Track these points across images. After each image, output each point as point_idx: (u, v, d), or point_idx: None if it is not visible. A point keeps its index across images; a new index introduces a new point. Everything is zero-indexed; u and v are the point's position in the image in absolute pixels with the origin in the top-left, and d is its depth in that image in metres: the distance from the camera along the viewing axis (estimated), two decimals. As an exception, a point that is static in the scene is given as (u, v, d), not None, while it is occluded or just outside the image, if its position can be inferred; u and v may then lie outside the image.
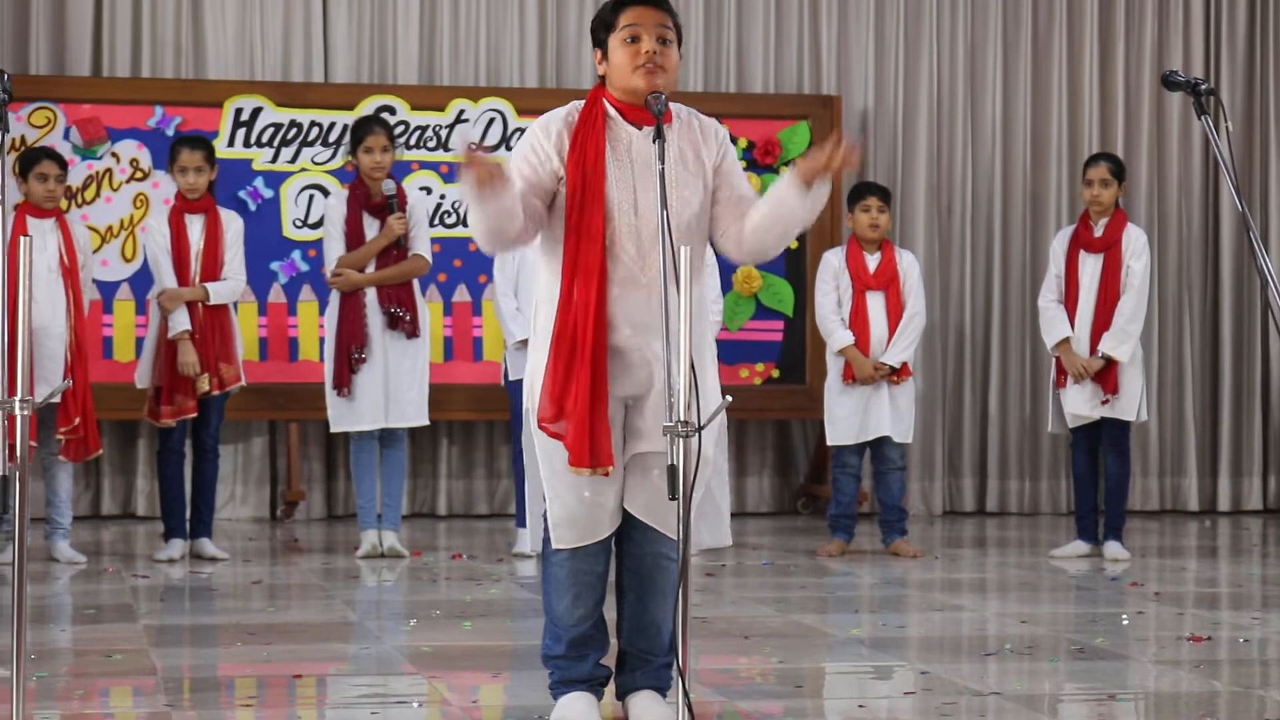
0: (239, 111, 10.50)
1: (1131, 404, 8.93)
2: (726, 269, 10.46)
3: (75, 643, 6.32)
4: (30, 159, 8.58)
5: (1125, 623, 6.82)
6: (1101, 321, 8.90)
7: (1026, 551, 9.58)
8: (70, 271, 8.48)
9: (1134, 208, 11.45)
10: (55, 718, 4.94)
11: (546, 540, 4.78)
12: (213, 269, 8.68)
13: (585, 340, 4.57)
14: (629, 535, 4.76)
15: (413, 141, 10.60)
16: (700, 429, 4.25)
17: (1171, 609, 7.27)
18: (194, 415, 8.66)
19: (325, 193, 10.39)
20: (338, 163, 10.48)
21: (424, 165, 10.65)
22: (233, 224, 8.81)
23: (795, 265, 10.97)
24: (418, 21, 11.09)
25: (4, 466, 4.22)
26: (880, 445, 9.09)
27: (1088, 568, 8.70)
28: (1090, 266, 8.97)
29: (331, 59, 11.02)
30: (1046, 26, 11.73)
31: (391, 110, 10.54)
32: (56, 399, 8.34)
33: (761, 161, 10.97)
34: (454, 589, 7.78)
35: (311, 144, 10.56)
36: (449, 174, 10.69)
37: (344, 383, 8.71)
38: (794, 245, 10.91)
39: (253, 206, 10.43)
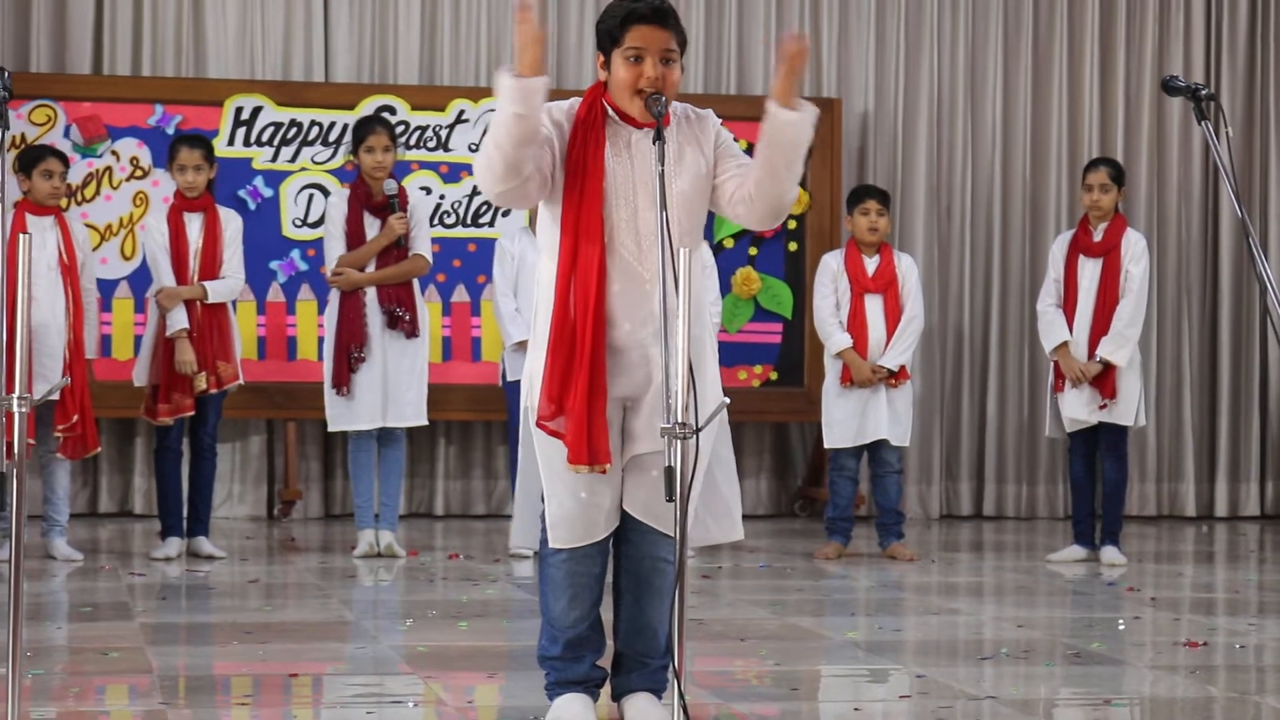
0: (239, 110, 10.50)
1: (1129, 409, 8.93)
2: (725, 271, 10.47)
3: (71, 640, 6.31)
4: (35, 156, 8.58)
5: (1121, 628, 6.82)
6: (1100, 326, 8.90)
7: (1023, 556, 9.59)
8: (69, 269, 8.48)
9: (1133, 213, 11.45)
10: (51, 715, 4.94)
11: (544, 541, 4.78)
12: (211, 267, 8.68)
13: (584, 338, 4.57)
14: (627, 538, 4.76)
15: (413, 141, 10.61)
16: (698, 430, 4.25)
17: (1168, 614, 7.27)
18: (192, 414, 8.66)
19: (325, 192, 10.39)
20: (338, 162, 10.48)
21: (424, 165, 10.66)
22: (231, 223, 8.81)
23: (794, 268, 10.97)
24: (418, 21, 11.10)
25: (2, 464, 4.22)
26: (878, 448, 9.09)
27: (1084, 572, 8.70)
28: (1089, 271, 8.97)
29: (332, 58, 11.02)
30: (1047, 30, 11.73)
31: (392, 110, 10.54)
32: (55, 396, 8.34)
33: (761, 164, 10.95)
34: (451, 589, 7.78)
35: (311, 143, 10.56)
36: (449, 174, 10.70)
37: (343, 382, 8.71)
38: (793, 248, 10.96)
39: (252, 205, 10.43)
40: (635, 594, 4.77)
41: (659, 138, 4.50)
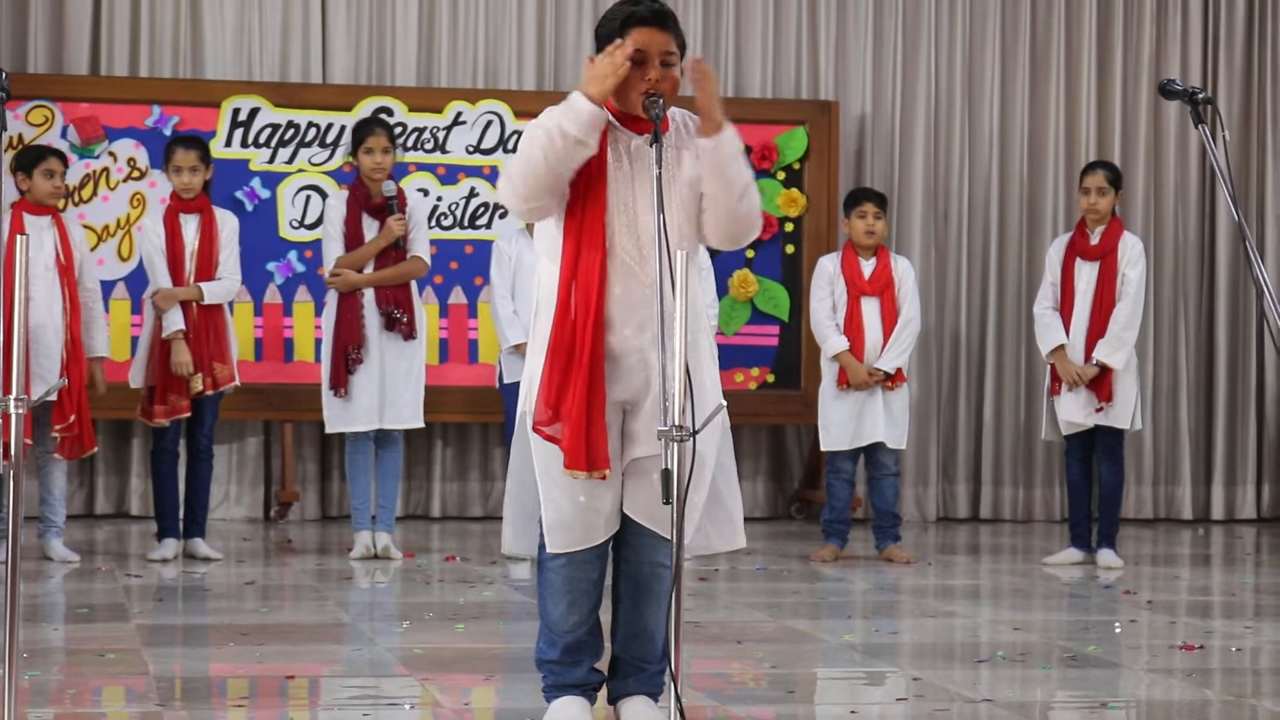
0: (236, 111, 10.50)
1: (1126, 412, 8.94)
2: (722, 274, 10.47)
3: (68, 642, 6.31)
4: (36, 155, 8.58)
5: (1118, 631, 6.83)
6: (1097, 329, 8.91)
7: (1020, 558, 9.59)
8: (67, 269, 8.48)
9: (1130, 216, 11.45)
10: (48, 717, 4.94)
11: (542, 545, 4.77)
12: (207, 269, 8.67)
13: (584, 343, 4.57)
14: (627, 542, 4.76)
15: (410, 143, 10.60)
16: (695, 433, 4.25)
17: (1164, 617, 7.28)
18: (188, 415, 8.66)
19: (322, 194, 10.39)
20: (335, 163, 10.48)
21: (421, 167, 10.65)
22: (228, 224, 8.81)
23: (791, 270, 10.98)
24: (416, 23, 11.09)
25: (-1, 465, 4.22)
26: (874, 451, 9.09)
27: (1081, 575, 8.70)
28: (1086, 274, 8.98)
29: (330, 60, 11.02)
30: (1044, 34, 11.74)
31: (389, 111, 10.54)
32: (53, 397, 8.34)
33: (759, 167, 10.97)
34: (447, 591, 7.78)
35: (309, 145, 10.56)
36: (446, 176, 10.70)
37: (340, 383, 8.71)
38: (790, 250, 10.96)
39: (249, 207, 10.43)
40: (634, 598, 4.77)
41: (656, 140, 4.50)
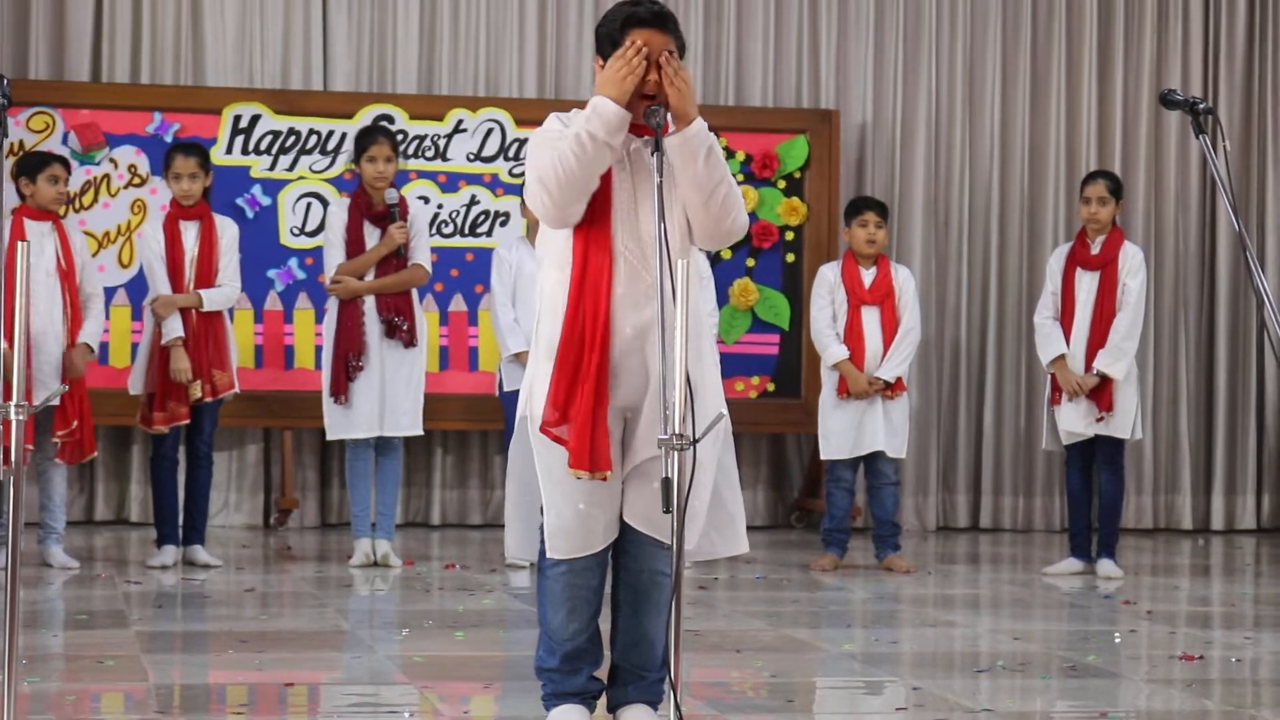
0: (237, 118, 10.51)
1: (1126, 421, 8.94)
2: (723, 283, 10.47)
3: (67, 648, 6.31)
4: (40, 161, 8.59)
5: (1118, 641, 6.82)
6: (1097, 339, 8.91)
7: (1020, 568, 9.59)
8: (67, 275, 8.48)
9: (1131, 226, 11.46)
10: (46, 723, 4.94)
11: (542, 553, 4.77)
12: (207, 276, 8.68)
13: (593, 346, 4.57)
14: (626, 550, 4.75)
15: (411, 151, 10.61)
16: (695, 442, 4.25)
17: (1164, 627, 7.27)
18: (187, 422, 8.66)
19: (323, 201, 10.39)
20: (336, 171, 10.48)
21: (422, 174, 10.66)
22: (227, 230, 8.82)
23: (791, 279, 10.98)
24: (417, 30, 11.10)
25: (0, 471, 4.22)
26: (874, 460, 9.09)
27: (1081, 585, 8.70)
28: (1087, 284, 8.98)
29: (331, 67, 11.03)
30: (1045, 43, 11.74)
31: (390, 119, 10.55)
32: (55, 402, 8.34)
33: (759, 175, 10.98)
34: (447, 599, 7.78)
35: (310, 152, 10.57)
36: (447, 183, 10.70)
37: (341, 390, 8.71)
38: (790, 259, 10.96)
39: (250, 214, 10.43)
40: (633, 606, 4.77)
41: (658, 148, 4.50)
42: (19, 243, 4.30)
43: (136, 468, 10.66)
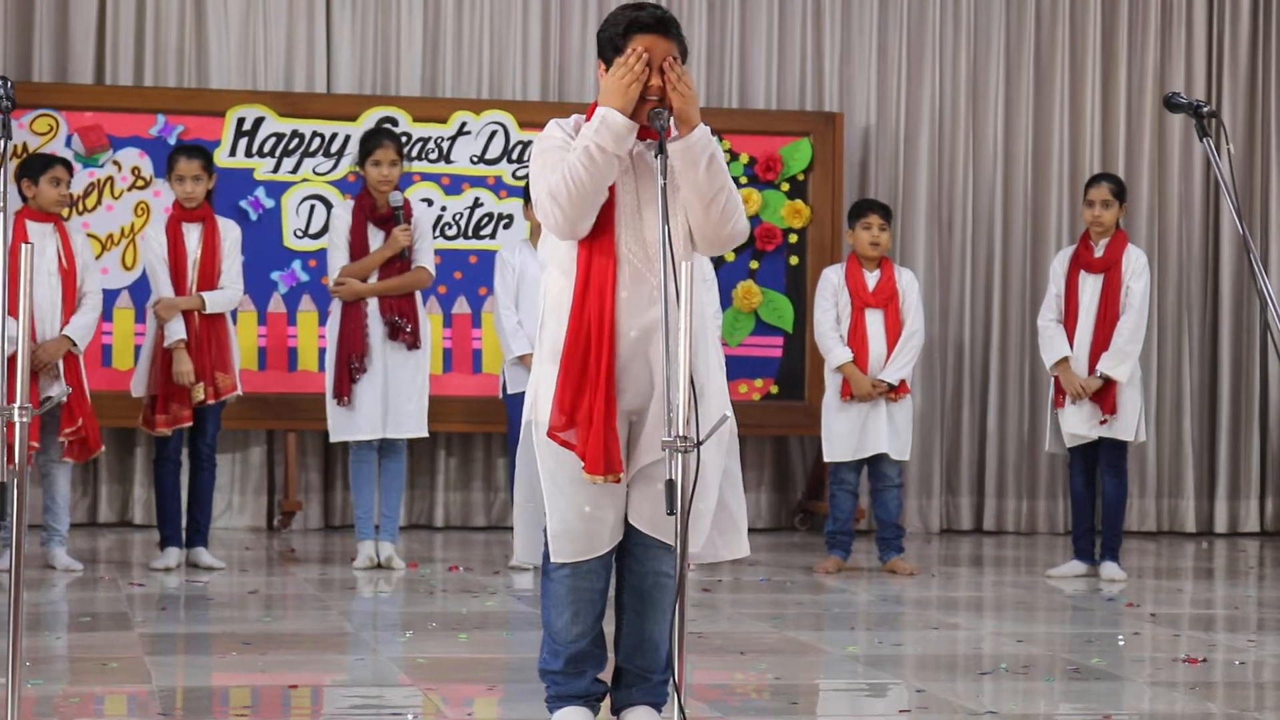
0: (241, 121, 10.51)
1: (1129, 424, 8.93)
2: (726, 285, 10.47)
3: (71, 650, 6.31)
4: (44, 163, 8.59)
5: (1121, 643, 6.82)
6: (1100, 341, 8.91)
7: (1023, 571, 9.58)
8: (69, 276, 8.48)
9: (1134, 228, 11.45)
10: (50, 725, 4.94)
11: (546, 555, 4.77)
12: (210, 278, 8.68)
13: (600, 349, 4.57)
14: (630, 552, 4.75)
15: (414, 153, 10.61)
16: (699, 444, 4.25)
17: (1167, 630, 7.27)
18: (189, 424, 8.66)
19: (327, 203, 10.40)
20: (339, 173, 10.48)
21: (425, 177, 10.66)
22: (230, 233, 8.82)
23: (795, 281, 10.98)
24: (421, 33, 11.10)
25: (3, 473, 4.22)
26: (878, 462, 9.09)
27: (1084, 588, 8.70)
28: (1090, 286, 8.98)
29: (334, 70, 11.03)
30: (1049, 46, 11.74)
31: (394, 121, 10.55)
32: (61, 400, 8.33)
33: (763, 177, 10.98)
34: (450, 601, 7.78)
35: (313, 154, 10.57)
36: (450, 186, 10.70)
37: (344, 392, 8.71)
38: (794, 261, 10.96)
39: (254, 216, 10.43)
40: (637, 609, 4.77)
41: (661, 151, 4.50)
42: (22, 245, 4.31)
43: (140, 470, 10.66)
